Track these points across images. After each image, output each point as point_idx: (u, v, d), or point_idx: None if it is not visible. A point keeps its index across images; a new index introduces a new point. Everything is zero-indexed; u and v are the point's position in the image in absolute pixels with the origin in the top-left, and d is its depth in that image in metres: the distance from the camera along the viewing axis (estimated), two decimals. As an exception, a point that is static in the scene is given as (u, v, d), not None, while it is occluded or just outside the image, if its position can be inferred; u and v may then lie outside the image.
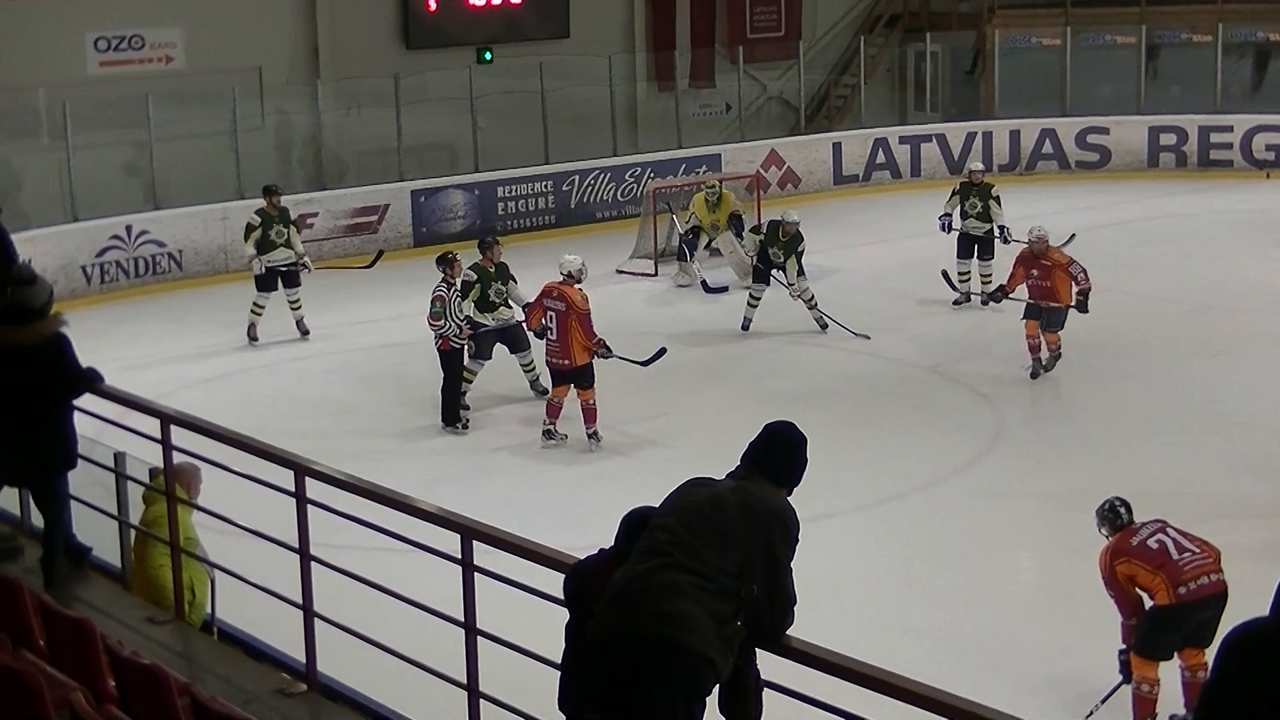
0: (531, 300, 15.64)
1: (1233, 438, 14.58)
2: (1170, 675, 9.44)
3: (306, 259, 19.24)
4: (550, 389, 15.09)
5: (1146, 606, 9.36)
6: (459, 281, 15.50)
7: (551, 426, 14.96)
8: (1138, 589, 9.31)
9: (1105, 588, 9.44)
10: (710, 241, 21.48)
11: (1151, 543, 9.27)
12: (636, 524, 5.40)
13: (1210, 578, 9.15)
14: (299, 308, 19.19)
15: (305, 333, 19.25)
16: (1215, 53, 29.08)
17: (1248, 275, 21.01)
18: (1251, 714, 3.32)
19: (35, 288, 8.27)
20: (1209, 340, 17.90)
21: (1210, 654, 8.31)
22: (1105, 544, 9.55)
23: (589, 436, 14.90)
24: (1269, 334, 18.09)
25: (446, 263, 15.51)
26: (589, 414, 14.86)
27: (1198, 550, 9.25)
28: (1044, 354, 16.51)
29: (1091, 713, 9.53)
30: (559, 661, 5.36)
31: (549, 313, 14.69)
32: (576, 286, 14.79)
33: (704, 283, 21.23)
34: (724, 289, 20.99)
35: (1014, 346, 18.00)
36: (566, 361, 14.67)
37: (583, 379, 14.79)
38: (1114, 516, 9.60)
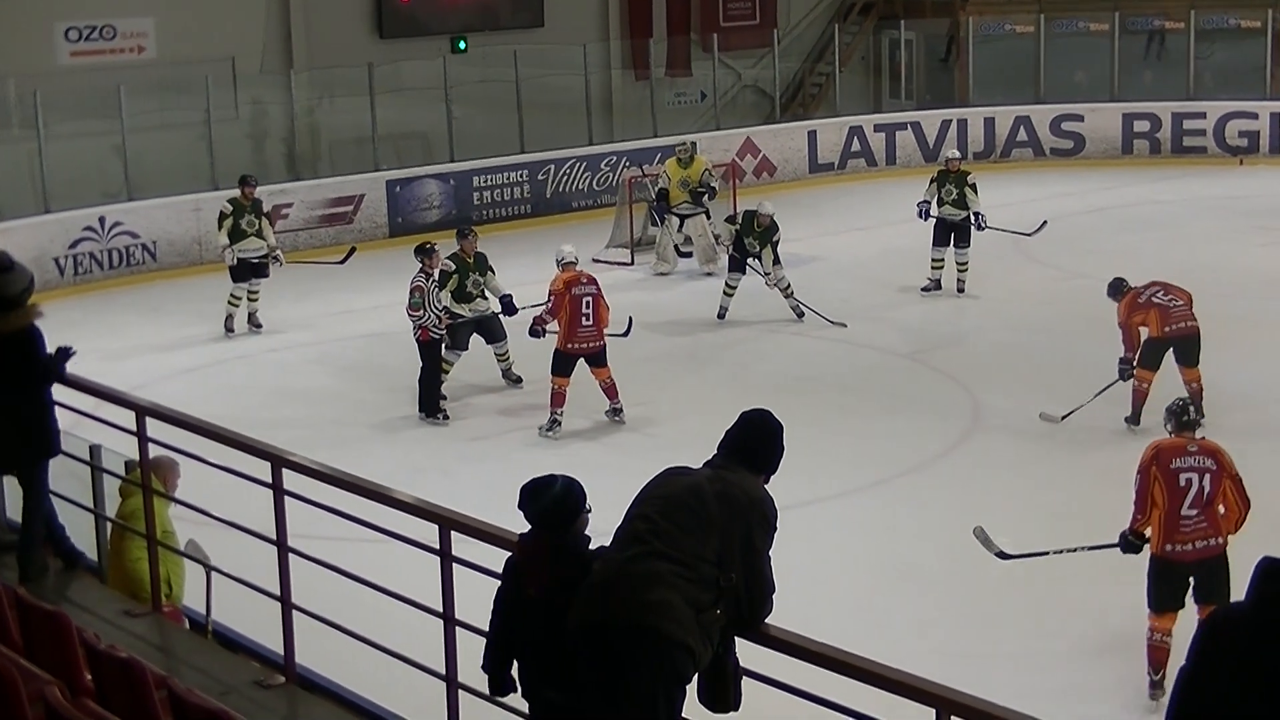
0: (506, 293, 16.00)
1: (1218, 422, 14.58)
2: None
3: (279, 251, 19.19)
4: (554, 377, 14.89)
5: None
6: (437, 271, 15.47)
7: (560, 416, 14.91)
8: (1151, 500, 9.47)
9: (1136, 474, 9.54)
10: (682, 224, 21.40)
11: (1181, 480, 9.41)
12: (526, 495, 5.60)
13: (1197, 544, 9.38)
14: (257, 299, 19.13)
15: (258, 326, 19.17)
16: (1188, 39, 29.14)
17: (1227, 261, 21.06)
18: (1229, 698, 3.32)
19: (11, 276, 8.14)
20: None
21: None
22: (1158, 440, 9.78)
23: (617, 412, 15.11)
24: (1250, 319, 18.11)
25: (425, 253, 15.45)
26: (613, 390, 15.06)
27: (1197, 513, 9.39)
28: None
29: (1060, 551, 10.21)
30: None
31: (584, 299, 14.77)
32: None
33: (677, 248, 21.53)
34: (690, 254, 21.44)
35: (991, 335, 18.05)
36: (601, 342, 14.91)
37: (604, 358, 14.99)
38: (1182, 415, 9.84)
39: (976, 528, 10.34)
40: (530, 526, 5.57)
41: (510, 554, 5.70)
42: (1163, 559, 9.45)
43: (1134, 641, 10.21)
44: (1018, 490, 13.27)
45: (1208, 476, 9.45)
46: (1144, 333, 14.36)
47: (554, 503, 5.55)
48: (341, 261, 20.04)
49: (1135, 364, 14.45)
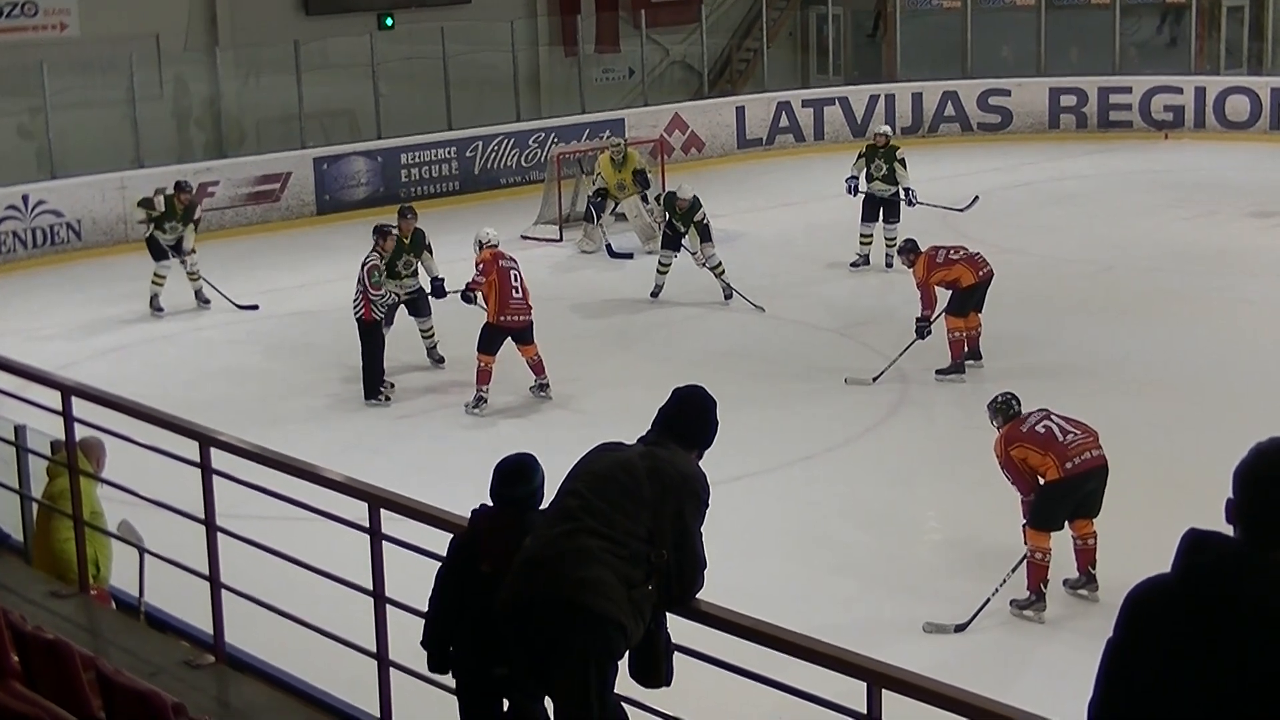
0: (439, 276, 15.99)
1: (1141, 396, 14.72)
2: (1064, 546, 10.43)
3: (191, 257, 18.82)
4: (480, 354, 14.83)
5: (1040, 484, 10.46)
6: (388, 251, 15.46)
7: (486, 394, 14.88)
8: (1032, 470, 10.34)
9: (1002, 471, 10.51)
10: (616, 205, 21.41)
11: (1039, 428, 10.36)
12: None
13: (1092, 453, 10.28)
14: (197, 278, 18.94)
15: (205, 301, 19.02)
16: (1114, 14, 29.32)
17: (1149, 235, 21.24)
18: (1154, 671, 3.34)
19: None
20: (1114, 300, 18.08)
21: (1099, 524, 10.37)
22: (998, 434, 10.62)
23: (544, 388, 15.10)
24: (1172, 293, 18.30)
25: (381, 234, 15.42)
26: (540, 366, 15.07)
27: (1079, 432, 10.34)
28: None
29: (996, 590, 10.30)
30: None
31: (511, 271, 14.80)
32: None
33: (609, 247, 21.19)
34: (629, 255, 20.93)
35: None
36: (529, 318, 14.91)
37: (531, 334, 14.98)
38: (1006, 408, 10.75)
39: (926, 623, 10.33)
40: (495, 504, 5.54)
41: (456, 532, 5.65)
42: (1065, 479, 10.18)
43: (1060, 614, 10.34)
44: (944, 464, 13.35)
45: (1054, 416, 10.45)
46: (940, 292, 15.43)
47: (535, 491, 5.56)
48: (244, 308, 19.34)
49: (947, 314, 15.39)
